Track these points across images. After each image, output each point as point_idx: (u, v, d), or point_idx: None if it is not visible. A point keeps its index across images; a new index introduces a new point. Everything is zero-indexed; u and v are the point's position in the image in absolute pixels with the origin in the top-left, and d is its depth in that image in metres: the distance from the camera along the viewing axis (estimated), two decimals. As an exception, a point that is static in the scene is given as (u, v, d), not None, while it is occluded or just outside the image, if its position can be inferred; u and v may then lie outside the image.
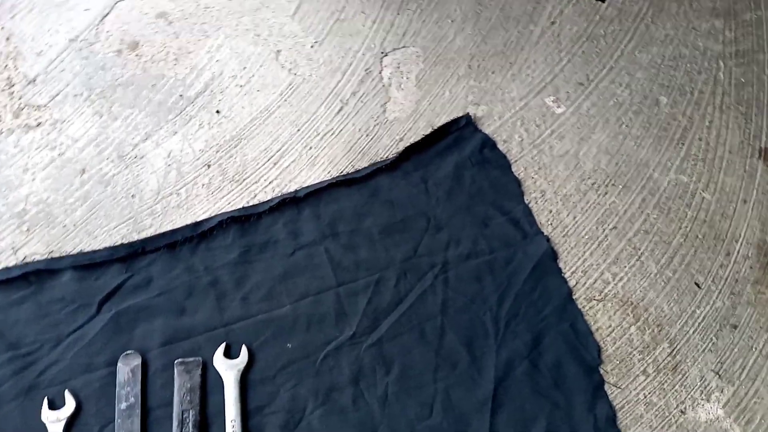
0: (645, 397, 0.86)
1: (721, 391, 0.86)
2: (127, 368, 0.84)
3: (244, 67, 1.10)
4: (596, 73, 1.13)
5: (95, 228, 0.95)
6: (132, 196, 0.98)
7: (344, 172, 1.01)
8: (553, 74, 1.12)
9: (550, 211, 0.99)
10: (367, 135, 1.05)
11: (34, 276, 0.90)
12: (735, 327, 0.89)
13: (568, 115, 1.08)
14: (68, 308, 0.89)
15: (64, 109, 1.05)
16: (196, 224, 0.95)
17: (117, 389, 0.83)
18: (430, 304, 0.91)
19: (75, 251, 0.93)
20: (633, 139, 1.06)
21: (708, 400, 0.85)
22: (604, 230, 0.98)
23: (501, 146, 1.04)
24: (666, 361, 0.88)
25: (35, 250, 0.93)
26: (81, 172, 0.99)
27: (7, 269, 0.91)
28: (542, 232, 0.96)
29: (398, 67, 1.12)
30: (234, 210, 0.97)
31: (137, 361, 0.85)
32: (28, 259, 0.92)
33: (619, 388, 0.86)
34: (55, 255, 0.92)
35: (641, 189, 1.01)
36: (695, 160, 1.04)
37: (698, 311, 0.91)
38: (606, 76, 1.13)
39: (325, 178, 1.00)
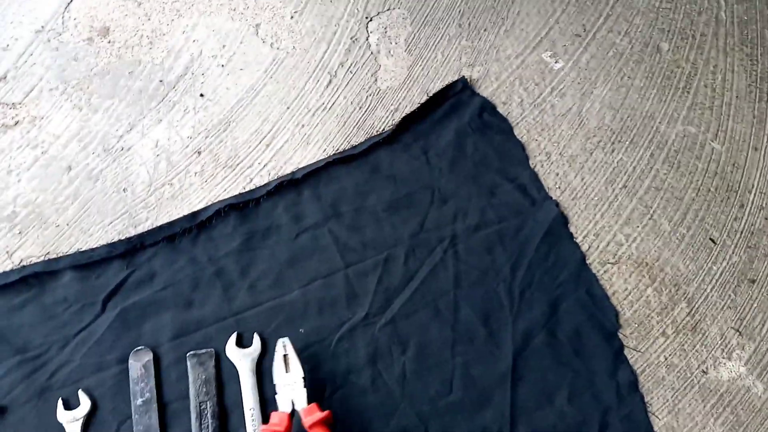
0: (666, 359, 0.85)
1: (743, 348, 0.85)
2: (139, 364, 0.83)
3: (224, 45, 1.05)
4: (593, 22, 1.08)
5: (90, 225, 0.92)
6: (123, 190, 0.94)
7: (340, 149, 0.97)
8: (548, 27, 1.08)
9: (557, 174, 0.96)
10: (360, 107, 1.00)
11: (34, 279, 0.88)
12: (753, 281, 0.88)
13: (567, 70, 1.04)
14: (72, 308, 0.86)
15: (41, 104, 1.00)
16: (194, 214, 0.92)
17: (131, 386, 0.81)
18: (442, 279, 0.89)
19: (72, 251, 0.90)
20: (636, 91, 1.02)
21: (729, 358, 0.84)
22: (613, 190, 0.95)
23: (501, 109, 1.00)
24: (685, 321, 0.87)
25: (31, 252, 0.90)
26: (67, 169, 0.95)
27: (5, 274, 0.88)
28: (551, 197, 0.94)
29: (385, 32, 1.07)
30: (231, 197, 0.93)
31: (148, 356, 0.83)
32: (24, 263, 0.89)
33: (639, 351, 0.85)
34: (52, 256, 0.89)
35: (649, 143, 0.98)
36: (702, 108, 1.01)
37: (715, 267, 0.90)
38: (603, 24, 1.08)
39: (322, 157, 0.97)
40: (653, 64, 1.05)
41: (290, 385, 0.79)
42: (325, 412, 0.75)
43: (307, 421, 0.75)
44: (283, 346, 0.81)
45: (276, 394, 0.78)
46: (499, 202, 0.93)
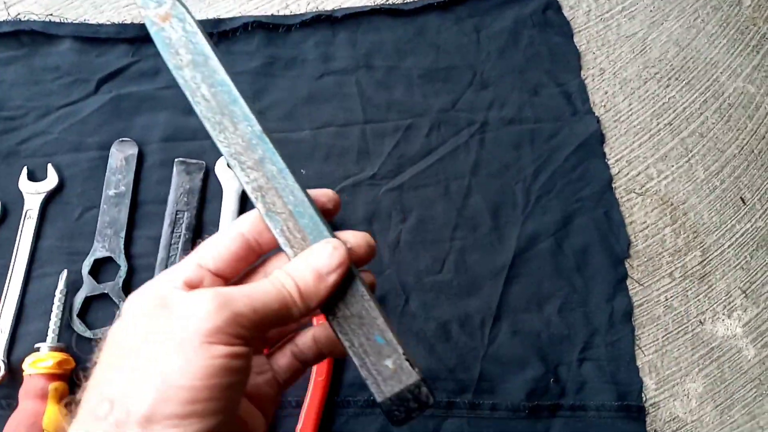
0: (666, 300, 0.81)
1: (744, 311, 0.81)
2: (122, 155, 0.75)
3: None
4: (682, -42, 1.01)
5: (103, 2, 0.83)
6: (149, -24, 0.85)
7: (391, 2, 0.89)
8: (636, -53, 1.00)
9: (606, 92, 0.90)
10: (423, -33, 0.92)
11: (28, 37, 0.79)
12: (774, 248, 0.84)
13: (644, -5, 0.97)
14: (62, 80, 0.78)
15: None
16: (218, 21, 0.84)
17: (107, 174, 0.74)
18: (461, 161, 0.83)
19: (77, 21, 0.81)
20: (706, 36, 0.96)
21: (729, 317, 0.81)
22: (658, 124, 0.89)
23: (566, 12, 0.93)
24: (695, 269, 0.83)
25: (31, 9, 0.81)
26: (94, -64, 0.86)
27: (-4, 23, 0.79)
28: (593, 112, 0.88)
29: None
30: (263, 15, 0.85)
31: (134, 150, 0.76)
32: (22, 18, 0.80)
33: (641, 285, 0.81)
34: (55, 20, 0.80)
35: (705, 90, 0.92)
36: (766, 71, 0.95)
37: (738, 226, 0.85)
38: (692, -37, 1.01)
39: (368, 4, 0.89)
40: (731, 14, 0.98)
41: None
42: None
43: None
44: None
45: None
46: (540, 102, 0.87)
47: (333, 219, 0.42)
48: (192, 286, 0.37)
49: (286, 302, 0.36)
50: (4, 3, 0.81)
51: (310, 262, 0.37)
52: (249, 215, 0.41)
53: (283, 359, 0.44)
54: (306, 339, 0.45)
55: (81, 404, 0.34)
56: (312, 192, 0.41)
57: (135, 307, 0.36)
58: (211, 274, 0.38)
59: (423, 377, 0.39)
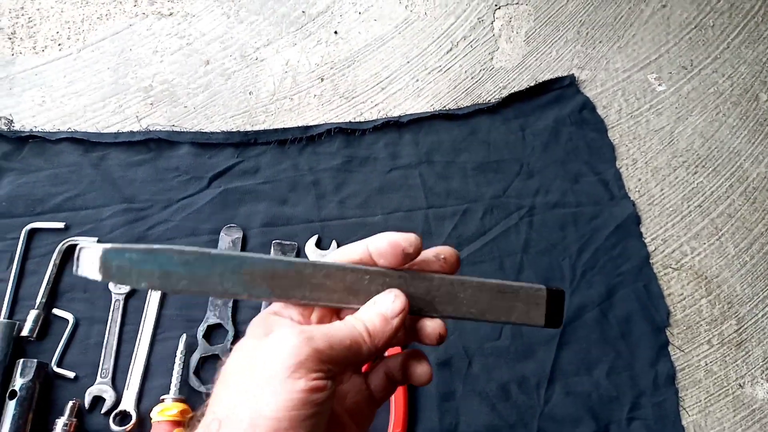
0: (706, 364, 0.89)
1: (781, 374, 0.89)
2: (229, 238, 0.91)
3: (365, -2, 1.15)
4: (700, 60, 1.15)
5: (213, 114, 1.02)
6: (249, 92, 1.04)
7: (447, 108, 1.06)
8: (658, 54, 1.15)
9: (639, 180, 1.02)
10: (472, 78, 1.09)
11: (155, 143, 0.97)
12: (806, 315, 0.92)
13: (668, 94, 1.11)
14: (181, 178, 0.96)
15: (195, 5, 1.12)
16: (306, 128, 1.01)
17: (219, 255, 0.90)
18: (513, 241, 0.96)
19: (193, 129, 0.99)
20: (728, 128, 1.08)
21: (767, 380, 0.88)
22: (688, 206, 1.01)
23: (600, 111, 1.07)
24: (731, 337, 0.91)
25: (157, 121, 1.00)
26: (205, 63, 1.06)
27: (131, 133, 0.98)
28: (629, 197, 1.00)
29: (509, 21, 1.15)
30: (341, 122, 1.02)
31: (239, 234, 0.91)
32: (150, 128, 0.99)
33: (682, 351, 0.89)
34: (176, 129, 0.99)
35: (730, 175, 1.04)
36: (787, 160, 1.06)
37: (770, 297, 0.94)
38: (710, 64, 1.15)
39: (428, 110, 1.05)
40: (749, 108, 1.11)
41: None
42: None
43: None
44: None
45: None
46: (580, 188, 1.00)
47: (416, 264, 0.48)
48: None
49: (357, 340, 0.42)
50: (137, 116, 1.00)
51: (377, 308, 0.44)
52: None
53: (377, 379, 0.49)
54: (395, 362, 0.49)
55: (201, 419, 0.40)
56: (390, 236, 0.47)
57: (247, 334, 0.44)
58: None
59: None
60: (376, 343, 0.43)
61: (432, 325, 0.46)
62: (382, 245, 0.45)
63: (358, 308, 0.45)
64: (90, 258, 0.41)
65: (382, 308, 0.44)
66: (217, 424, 0.38)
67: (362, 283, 0.45)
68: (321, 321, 0.47)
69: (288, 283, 0.44)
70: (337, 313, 0.47)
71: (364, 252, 0.46)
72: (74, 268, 0.42)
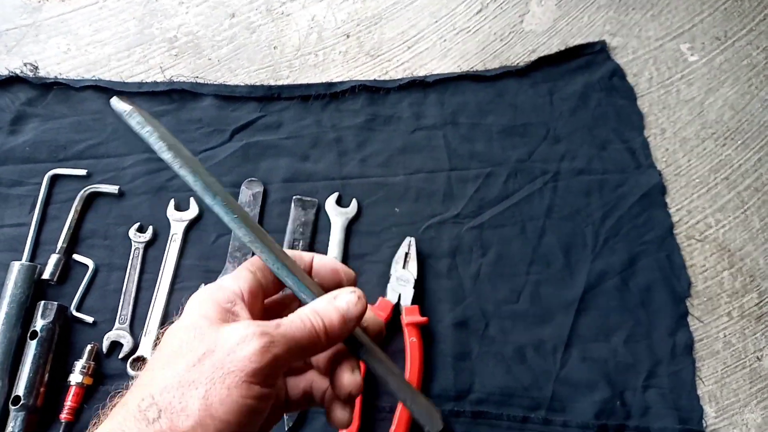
0: (725, 336, 0.88)
1: (801, 349, 0.88)
2: (250, 192, 0.91)
3: (394, -45, 1.13)
4: (735, 31, 1.12)
5: (237, 67, 1.01)
6: (274, 47, 1.03)
7: (474, 69, 1.04)
8: (692, 23, 1.12)
9: (666, 150, 1.00)
10: (501, 40, 1.07)
11: (178, 95, 0.97)
12: (830, 292, 0.90)
13: (700, 65, 1.08)
14: (204, 130, 0.95)
15: (222, -43, 1.10)
16: (330, 84, 1.00)
17: (239, 207, 0.90)
18: (536, 205, 0.94)
19: (217, 82, 0.98)
20: (760, 101, 1.06)
21: (786, 354, 0.87)
22: (715, 178, 0.99)
23: (630, 79, 1.05)
24: (752, 310, 0.90)
25: (181, 73, 0.99)
26: (231, 15, 1.05)
27: (155, 83, 0.97)
28: (655, 166, 0.98)
29: (542, -14, 1.13)
30: (366, 80, 1.01)
31: (260, 188, 0.91)
32: (174, 80, 0.98)
33: (701, 322, 0.89)
34: (200, 81, 0.98)
35: (759, 149, 1.01)
36: (820, 135, 1.03)
37: (794, 272, 0.92)
38: (744, 36, 1.12)
39: (455, 71, 1.03)
40: (783, 82, 1.08)
41: (402, 281, 0.86)
42: (424, 318, 0.83)
43: (406, 319, 0.83)
44: (408, 245, 0.88)
45: (388, 283, 0.86)
46: (607, 155, 0.98)
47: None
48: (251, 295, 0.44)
49: (314, 341, 0.41)
50: (160, 67, 0.99)
51: (338, 307, 0.42)
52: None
53: (296, 388, 0.48)
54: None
55: (127, 394, 0.38)
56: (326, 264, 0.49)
57: (194, 312, 0.41)
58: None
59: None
60: (331, 343, 0.42)
61: (350, 379, 0.44)
62: (327, 264, 0.48)
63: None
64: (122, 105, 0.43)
65: (343, 308, 0.42)
66: (156, 412, 0.36)
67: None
68: (271, 307, 0.47)
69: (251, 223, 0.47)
70: (287, 304, 0.49)
71: (309, 258, 0.48)
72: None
